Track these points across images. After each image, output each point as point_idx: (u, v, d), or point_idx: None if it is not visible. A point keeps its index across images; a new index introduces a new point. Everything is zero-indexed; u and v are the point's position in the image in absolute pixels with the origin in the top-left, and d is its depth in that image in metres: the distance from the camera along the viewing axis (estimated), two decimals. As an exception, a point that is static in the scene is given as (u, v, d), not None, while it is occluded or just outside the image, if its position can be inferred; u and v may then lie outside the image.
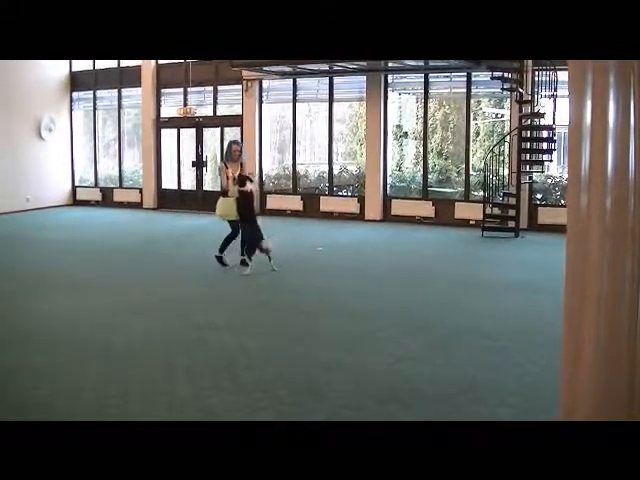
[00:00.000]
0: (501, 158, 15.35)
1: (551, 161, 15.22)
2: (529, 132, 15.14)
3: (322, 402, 5.63)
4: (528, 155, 15.16)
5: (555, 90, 14.53)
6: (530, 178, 15.69)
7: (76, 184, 22.79)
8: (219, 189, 12.00)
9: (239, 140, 14.87)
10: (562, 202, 15.97)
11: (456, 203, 16.85)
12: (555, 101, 14.59)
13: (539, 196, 16.31)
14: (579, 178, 3.39)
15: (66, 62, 22.03)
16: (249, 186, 11.34)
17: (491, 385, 6.02)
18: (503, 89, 15.33)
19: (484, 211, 15.23)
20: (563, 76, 14.50)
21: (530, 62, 15.18)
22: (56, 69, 21.73)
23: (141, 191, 21.24)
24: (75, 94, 22.49)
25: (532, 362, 6.60)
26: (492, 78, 15.06)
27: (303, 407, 5.52)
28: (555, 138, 14.81)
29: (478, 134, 18.00)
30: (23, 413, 5.34)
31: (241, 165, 11.57)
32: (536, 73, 15.14)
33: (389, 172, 17.84)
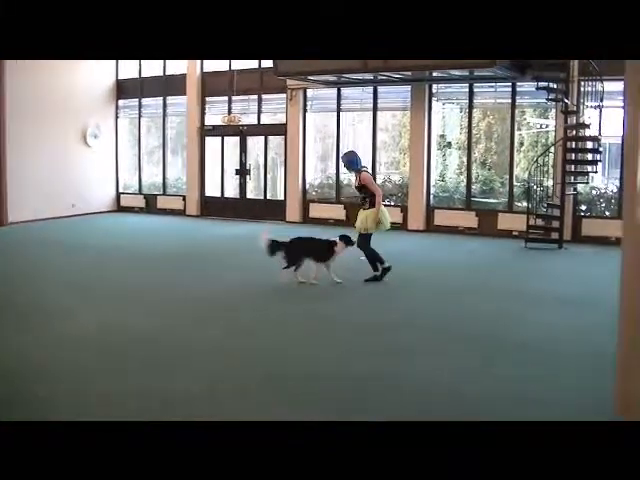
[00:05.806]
0: (545, 169, 15.32)
1: (596, 172, 15.05)
2: (574, 143, 15.05)
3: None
4: (573, 166, 15.06)
5: (601, 101, 14.45)
6: (574, 189, 15.61)
7: (120, 191, 23.08)
8: (364, 200, 10.93)
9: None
10: (607, 214, 15.89)
11: (499, 214, 16.80)
12: (601, 112, 14.50)
13: (583, 207, 16.17)
14: (635, 188, 3.40)
15: (113, 70, 22.38)
16: None
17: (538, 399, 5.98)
18: (548, 99, 15.24)
19: (527, 222, 15.17)
20: (609, 87, 14.45)
21: (576, 72, 15.10)
22: (103, 76, 22.09)
23: (184, 198, 21.45)
24: (121, 102, 22.82)
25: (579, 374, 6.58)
26: (537, 88, 14.95)
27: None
28: (600, 149, 14.75)
29: (522, 144, 17.88)
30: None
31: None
32: (582, 83, 15.06)
33: (432, 182, 17.82)
